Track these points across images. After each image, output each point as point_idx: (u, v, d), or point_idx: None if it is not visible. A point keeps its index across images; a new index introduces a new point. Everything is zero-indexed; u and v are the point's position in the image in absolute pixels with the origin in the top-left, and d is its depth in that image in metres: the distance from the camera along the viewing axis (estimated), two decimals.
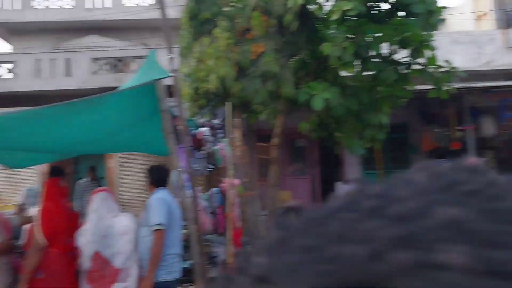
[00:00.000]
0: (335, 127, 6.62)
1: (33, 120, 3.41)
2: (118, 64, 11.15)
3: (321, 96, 5.37)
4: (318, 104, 5.37)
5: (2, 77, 11.29)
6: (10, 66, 11.29)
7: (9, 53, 12.42)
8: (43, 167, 4.96)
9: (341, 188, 10.34)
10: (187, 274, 4.05)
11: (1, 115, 3.16)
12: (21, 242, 4.18)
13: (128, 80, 4.61)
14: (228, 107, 4.90)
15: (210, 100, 6.06)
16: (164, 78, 3.35)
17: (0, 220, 3.75)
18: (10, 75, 11.29)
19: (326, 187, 11.71)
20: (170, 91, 3.76)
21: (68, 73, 10.85)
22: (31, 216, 4.40)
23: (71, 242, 3.72)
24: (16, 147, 4.35)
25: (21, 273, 3.65)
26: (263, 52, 5.74)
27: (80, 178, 10.21)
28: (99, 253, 3.60)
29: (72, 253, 3.73)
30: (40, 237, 3.54)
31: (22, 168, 5.71)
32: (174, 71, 3.52)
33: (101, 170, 10.88)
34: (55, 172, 4.10)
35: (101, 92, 3.68)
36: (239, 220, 5.31)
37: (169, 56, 3.53)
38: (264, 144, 8.24)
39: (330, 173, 11.72)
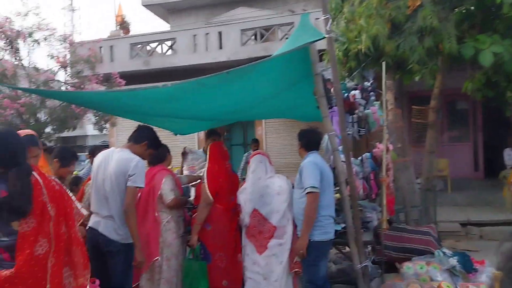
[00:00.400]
0: (506, 86, 5.80)
1: (196, 90, 3.67)
2: (265, 33, 11.44)
3: (490, 50, 4.72)
4: (486, 59, 4.75)
5: (164, 53, 12.53)
6: (170, 43, 12.44)
7: (169, 31, 13.59)
8: (204, 133, 5.37)
9: (509, 156, 9.17)
10: (340, 237, 4.05)
11: (170, 87, 3.45)
12: (190, 198, 4.66)
13: (281, 47, 4.66)
14: (381, 67, 4.65)
15: (360, 62, 5.82)
16: (319, 39, 3.28)
17: (174, 179, 4.19)
18: (170, 52, 12.45)
19: (490, 155, 10.51)
20: (320, 55, 3.70)
21: (220, 46, 11.49)
22: (195, 176, 4.85)
23: (233, 200, 4.03)
24: (182, 116, 4.79)
25: (192, 225, 4.09)
26: (420, 5, 5.25)
27: (232, 145, 10.92)
28: (257, 211, 3.83)
29: (235, 209, 4.04)
30: (207, 194, 3.90)
31: (186, 134, 6.30)
32: (329, 31, 3.42)
33: (251, 137, 11.49)
34: (216, 136, 4.45)
35: (249, 62, 3.79)
36: (392, 187, 5.08)
37: (324, 17, 3.44)
38: (420, 107, 7.68)
39: (495, 138, 10.43)
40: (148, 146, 3.59)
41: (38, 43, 9.89)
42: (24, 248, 2.03)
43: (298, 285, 3.94)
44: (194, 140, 11.50)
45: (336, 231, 3.89)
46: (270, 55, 3.92)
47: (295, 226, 3.79)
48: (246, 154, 9.26)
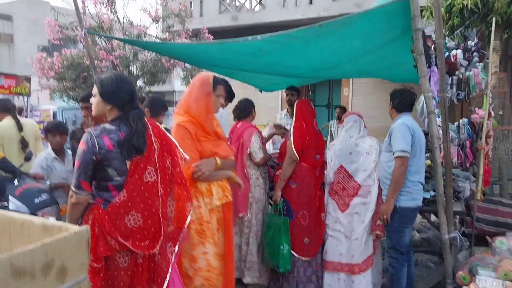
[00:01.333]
0: None
1: (286, 43, 3.58)
2: None
3: None
4: None
5: (253, 9, 12.42)
6: None
7: None
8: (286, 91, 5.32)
9: None
10: (428, 205, 3.86)
11: (259, 39, 3.39)
12: (275, 155, 4.69)
13: (376, 2, 4.37)
14: (487, 26, 4.20)
15: (465, 19, 5.30)
16: None
17: (261, 136, 4.23)
18: (258, 7, 12.30)
19: None
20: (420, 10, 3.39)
21: (310, 0, 11.10)
22: (274, 134, 4.89)
23: (319, 159, 3.97)
24: (269, 71, 4.74)
25: (275, 181, 4.12)
26: None
27: (316, 106, 10.61)
28: (343, 167, 3.76)
29: (320, 168, 3.99)
30: (293, 152, 3.88)
31: (271, 91, 6.28)
32: None
33: (336, 98, 11.18)
34: (295, 92, 4.40)
35: None
36: (491, 156, 4.69)
37: None
38: None
39: None
40: (226, 99, 3.68)
41: None
42: (134, 173, 2.21)
43: (378, 248, 3.86)
44: (277, 99, 11.49)
45: (424, 198, 3.72)
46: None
47: (380, 189, 3.68)
48: (330, 122, 8.84)
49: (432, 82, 3.70)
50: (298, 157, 3.87)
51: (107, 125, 2.25)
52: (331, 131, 8.26)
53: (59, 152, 3.86)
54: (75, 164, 2.20)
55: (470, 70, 4.29)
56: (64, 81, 10.31)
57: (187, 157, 2.54)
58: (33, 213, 2.94)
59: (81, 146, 2.17)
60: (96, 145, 2.16)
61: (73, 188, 2.18)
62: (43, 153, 3.92)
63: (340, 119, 7.62)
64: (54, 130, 3.83)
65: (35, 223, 0.97)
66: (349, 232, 3.74)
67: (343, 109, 8.36)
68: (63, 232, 0.87)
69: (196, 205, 2.74)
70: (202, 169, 2.75)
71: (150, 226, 2.21)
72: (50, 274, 0.79)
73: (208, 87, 2.88)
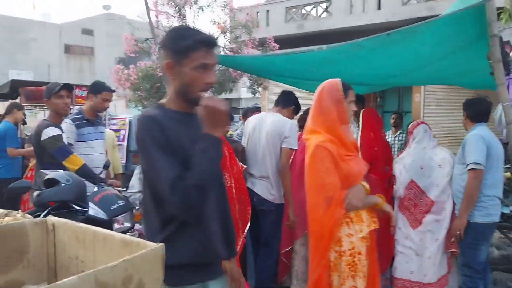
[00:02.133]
0: None
1: (352, 53, 3.55)
2: None
3: None
4: None
5: (319, 16, 12.39)
6: (325, 5, 12.22)
7: None
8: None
9: None
10: (507, 220, 3.63)
11: (325, 50, 3.40)
12: None
13: (450, 6, 4.21)
14: None
15: None
16: None
17: None
18: (325, 14, 12.25)
19: None
20: (497, 13, 3.22)
21: (378, 6, 10.88)
22: None
23: (388, 170, 3.87)
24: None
25: None
26: None
27: (385, 112, 10.32)
28: (414, 182, 3.62)
29: (389, 180, 3.88)
30: None
31: None
32: None
33: (407, 104, 10.80)
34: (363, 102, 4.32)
35: (409, 23, 3.50)
36: None
37: None
38: None
39: None
40: (294, 110, 3.71)
41: (202, 10, 10.65)
42: None
43: (453, 266, 3.68)
44: None
45: (502, 213, 3.51)
46: (435, 15, 3.56)
47: (453, 203, 3.52)
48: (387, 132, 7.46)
49: (510, 90, 3.50)
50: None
51: None
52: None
53: None
54: None
55: None
56: (139, 91, 10.92)
57: (367, 186, 2.40)
58: (110, 218, 3.15)
59: None
60: None
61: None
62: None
63: (396, 127, 7.08)
64: None
65: (116, 237, 1.06)
66: (420, 250, 3.59)
67: (399, 116, 7.55)
68: (141, 249, 0.95)
69: (346, 232, 2.38)
70: (354, 203, 2.38)
71: None
72: None
73: (337, 94, 2.49)
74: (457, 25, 3.20)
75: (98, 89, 3.80)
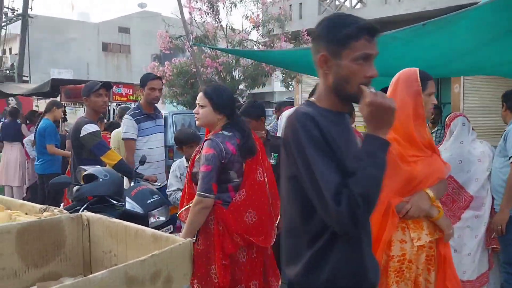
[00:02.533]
0: None
1: (386, 44, 3.48)
2: None
3: None
4: None
5: (353, 7, 12.16)
6: None
7: None
8: None
9: None
10: None
11: None
12: None
13: None
14: None
15: None
16: None
17: None
18: (359, 5, 12.00)
19: None
20: None
21: None
22: None
23: None
24: None
25: None
26: None
27: None
28: (452, 177, 3.50)
29: None
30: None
31: None
32: None
33: (446, 95, 10.47)
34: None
35: (448, 12, 3.37)
36: None
37: None
38: None
39: None
40: None
41: (235, 5, 10.68)
42: (249, 174, 2.45)
43: (494, 263, 3.55)
44: None
45: None
46: (474, 3, 3.42)
47: (492, 198, 3.39)
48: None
49: None
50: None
51: (225, 132, 2.47)
52: None
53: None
54: (204, 169, 2.35)
55: None
56: (174, 88, 11.09)
57: (431, 193, 2.14)
58: (146, 212, 3.23)
59: (210, 151, 2.36)
60: (224, 150, 2.38)
61: (203, 193, 2.33)
62: (176, 162, 3.89)
63: (434, 123, 6.54)
64: (190, 141, 3.77)
65: (147, 232, 1.08)
66: (459, 247, 3.47)
67: (438, 111, 6.88)
68: (170, 244, 0.97)
69: (400, 238, 2.15)
70: (412, 213, 2.11)
71: (264, 222, 2.46)
72: (157, 283, 0.88)
73: (415, 85, 2.19)
74: (497, 12, 3.08)
75: (144, 81, 3.94)
